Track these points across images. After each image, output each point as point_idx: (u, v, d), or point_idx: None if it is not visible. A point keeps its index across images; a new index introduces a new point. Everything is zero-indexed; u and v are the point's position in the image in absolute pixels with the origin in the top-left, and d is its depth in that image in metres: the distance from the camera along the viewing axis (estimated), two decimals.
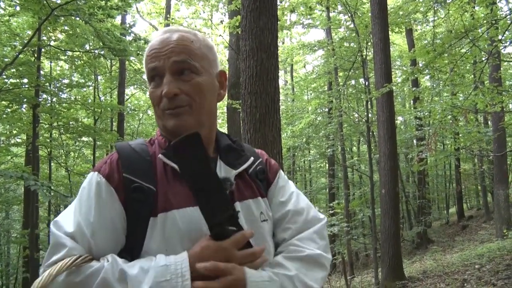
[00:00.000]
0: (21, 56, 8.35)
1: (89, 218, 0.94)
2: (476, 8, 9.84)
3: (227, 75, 1.16)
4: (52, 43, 10.58)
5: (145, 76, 1.14)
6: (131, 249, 0.95)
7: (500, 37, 7.58)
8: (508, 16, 7.56)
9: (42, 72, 11.11)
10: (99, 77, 15.06)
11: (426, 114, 12.65)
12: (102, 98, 15.73)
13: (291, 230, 1.12)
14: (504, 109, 9.00)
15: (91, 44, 11.38)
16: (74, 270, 0.88)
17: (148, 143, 1.08)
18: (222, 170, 1.08)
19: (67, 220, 0.96)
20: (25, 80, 9.53)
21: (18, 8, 8.43)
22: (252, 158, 1.15)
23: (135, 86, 16.10)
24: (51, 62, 13.35)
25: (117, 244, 0.96)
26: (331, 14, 14.03)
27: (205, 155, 0.94)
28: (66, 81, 12.90)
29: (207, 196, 0.92)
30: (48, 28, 9.28)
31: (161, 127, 1.07)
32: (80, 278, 0.88)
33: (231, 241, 0.92)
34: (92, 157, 14.13)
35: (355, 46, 12.30)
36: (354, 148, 20.44)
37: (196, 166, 0.93)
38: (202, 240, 0.93)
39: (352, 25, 11.80)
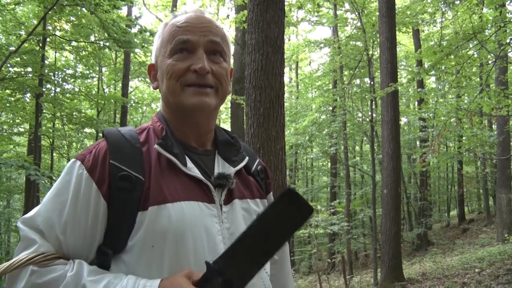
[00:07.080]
0: (25, 45, 8.34)
1: (62, 213, 0.88)
2: (485, 10, 9.76)
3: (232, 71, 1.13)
4: (57, 33, 10.54)
5: (153, 59, 1.07)
6: (115, 243, 0.89)
7: (508, 40, 7.50)
8: None
9: (46, 62, 11.08)
10: (104, 69, 15.04)
11: (431, 115, 12.58)
12: (106, 90, 15.71)
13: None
14: (510, 112, 8.92)
15: (96, 35, 11.34)
16: (36, 270, 0.83)
17: (138, 130, 1.02)
18: (220, 166, 1.03)
19: (39, 213, 0.89)
20: (29, 69, 9.53)
21: None
22: (247, 158, 1.10)
23: (140, 78, 16.05)
24: (55, 52, 13.35)
25: (92, 242, 0.89)
26: (338, 12, 13.94)
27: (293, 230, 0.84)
28: (70, 71, 12.93)
29: (251, 247, 0.81)
30: (54, 17, 9.24)
31: (173, 104, 1.00)
32: (41, 281, 0.83)
33: None
34: None
35: (361, 44, 12.22)
36: (357, 148, 20.36)
37: (278, 225, 0.82)
38: (180, 277, 0.82)
39: (359, 24, 11.73)
